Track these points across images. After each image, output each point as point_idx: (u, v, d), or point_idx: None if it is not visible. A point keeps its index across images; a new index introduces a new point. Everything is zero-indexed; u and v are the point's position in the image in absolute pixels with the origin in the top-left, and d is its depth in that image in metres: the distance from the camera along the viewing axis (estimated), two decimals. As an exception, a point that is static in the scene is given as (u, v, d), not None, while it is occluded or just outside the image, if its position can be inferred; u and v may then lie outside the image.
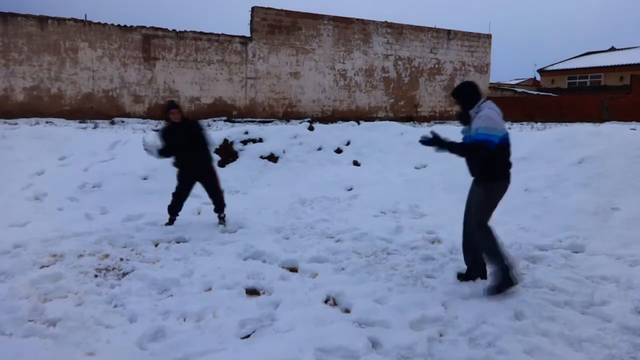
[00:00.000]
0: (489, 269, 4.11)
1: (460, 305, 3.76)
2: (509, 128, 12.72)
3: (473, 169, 4.18)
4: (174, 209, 6.17)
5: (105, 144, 8.96)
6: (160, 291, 4.04)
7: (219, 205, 6.27)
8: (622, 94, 20.97)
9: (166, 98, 17.53)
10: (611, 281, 4.24)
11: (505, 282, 3.91)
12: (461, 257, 4.88)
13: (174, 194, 6.16)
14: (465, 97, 3.98)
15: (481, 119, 3.82)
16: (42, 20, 15.48)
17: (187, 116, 6.38)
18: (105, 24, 16.48)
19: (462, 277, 4.27)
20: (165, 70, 17.41)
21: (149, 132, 6.29)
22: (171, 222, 6.14)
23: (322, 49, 20.25)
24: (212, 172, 6.23)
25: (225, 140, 9.16)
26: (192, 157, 6.02)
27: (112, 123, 14.69)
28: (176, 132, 5.99)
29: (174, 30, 17.49)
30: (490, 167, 3.98)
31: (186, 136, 5.98)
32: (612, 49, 35.58)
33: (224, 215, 6.29)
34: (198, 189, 7.75)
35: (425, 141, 3.96)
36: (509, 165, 4.04)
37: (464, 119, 4.06)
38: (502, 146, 3.90)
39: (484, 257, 4.14)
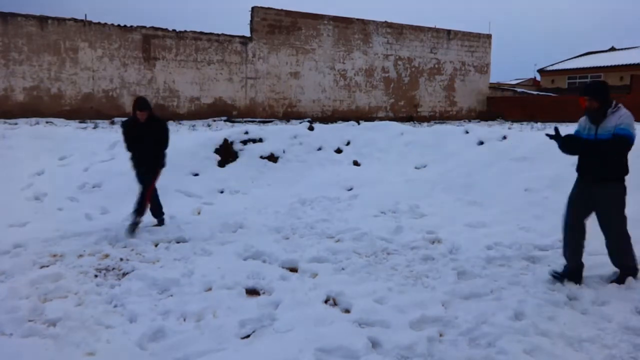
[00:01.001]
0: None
1: (460, 305, 3.76)
2: (509, 128, 12.67)
3: (599, 168, 4.06)
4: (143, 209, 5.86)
5: (105, 144, 8.96)
6: (160, 291, 4.04)
7: (138, 208, 5.76)
8: (622, 94, 20.96)
9: (166, 98, 17.55)
10: (611, 281, 4.24)
11: (631, 274, 4.14)
12: (461, 256, 4.89)
13: (139, 196, 5.84)
14: (605, 95, 4.02)
15: (623, 116, 3.93)
16: (42, 20, 15.48)
17: (156, 116, 6.07)
18: (105, 24, 16.49)
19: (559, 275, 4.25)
20: (165, 70, 17.42)
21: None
22: (134, 225, 5.74)
23: (322, 49, 20.26)
24: (152, 176, 5.93)
25: (225, 140, 9.16)
26: (145, 157, 5.84)
27: (112, 123, 14.69)
28: (139, 130, 5.76)
29: (174, 30, 17.49)
30: (621, 165, 4.04)
31: (147, 136, 5.77)
32: (612, 49, 35.58)
33: (137, 222, 5.72)
34: (197, 188, 7.77)
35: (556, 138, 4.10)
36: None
37: (597, 117, 4.04)
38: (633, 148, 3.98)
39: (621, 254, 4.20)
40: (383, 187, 7.89)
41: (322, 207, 7.17)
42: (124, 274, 4.42)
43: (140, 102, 5.79)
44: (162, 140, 5.97)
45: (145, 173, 5.89)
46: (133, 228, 5.64)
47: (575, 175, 4.37)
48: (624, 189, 4.12)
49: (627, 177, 4.11)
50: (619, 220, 4.15)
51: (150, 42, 17.06)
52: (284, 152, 9.37)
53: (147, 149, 5.83)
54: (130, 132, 5.84)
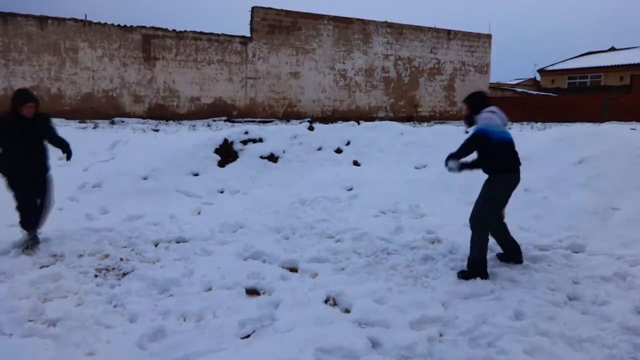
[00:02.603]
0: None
1: (460, 305, 3.76)
2: (509, 128, 12.71)
3: (480, 162, 4.54)
4: (30, 221, 5.05)
5: (105, 144, 8.96)
6: (160, 291, 4.05)
7: (41, 220, 5.17)
8: (622, 94, 20.97)
9: (166, 98, 17.55)
10: (611, 281, 4.24)
11: (472, 273, 4.33)
12: (460, 256, 4.90)
13: (20, 207, 5.03)
14: (473, 103, 4.61)
15: (479, 120, 4.41)
16: (42, 20, 15.49)
17: (41, 111, 5.15)
18: (105, 24, 16.49)
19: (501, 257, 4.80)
20: (165, 70, 17.42)
21: None
22: (33, 239, 5.01)
23: (322, 49, 20.26)
24: (49, 179, 5.24)
25: (225, 140, 9.15)
26: (33, 157, 5.05)
27: (112, 123, 14.70)
28: (24, 127, 4.89)
29: (174, 30, 17.49)
30: (491, 160, 4.38)
31: (35, 133, 5.00)
32: (612, 49, 35.58)
33: (38, 234, 5.11)
34: (197, 188, 7.77)
35: (453, 169, 4.46)
36: (512, 160, 4.46)
37: (470, 122, 4.60)
38: (502, 143, 4.35)
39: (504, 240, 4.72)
40: (383, 187, 7.88)
41: (322, 207, 7.16)
42: (124, 274, 4.42)
43: (26, 95, 4.94)
44: (54, 139, 5.22)
45: (34, 180, 5.07)
46: (34, 242, 5.01)
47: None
48: (495, 181, 4.42)
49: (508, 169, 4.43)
50: (477, 206, 4.46)
51: (150, 42, 17.06)
52: (284, 152, 9.37)
53: (31, 149, 5.02)
54: (11, 129, 4.86)
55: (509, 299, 3.83)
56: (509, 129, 4.62)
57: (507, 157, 4.42)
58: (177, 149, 8.60)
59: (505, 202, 4.53)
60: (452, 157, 4.44)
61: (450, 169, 4.46)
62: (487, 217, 4.43)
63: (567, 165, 6.93)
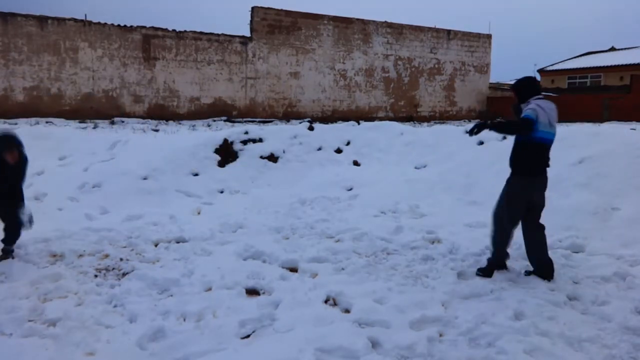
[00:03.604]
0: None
1: (460, 305, 3.76)
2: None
3: (511, 159, 4.36)
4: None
5: (105, 144, 8.96)
6: (160, 291, 4.05)
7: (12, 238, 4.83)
8: (622, 94, 20.97)
9: (166, 98, 17.56)
10: (611, 281, 4.24)
11: (488, 271, 4.35)
12: (460, 256, 4.90)
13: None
14: (520, 90, 4.33)
15: (525, 110, 4.11)
16: (42, 20, 15.49)
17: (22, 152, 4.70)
18: (105, 24, 16.49)
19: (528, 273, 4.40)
20: (165, 70, 17.42)
21: None
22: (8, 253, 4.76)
23: (322, 49, 20.26)
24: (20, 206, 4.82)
25: (225, 140, 9.15)
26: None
27: (112, 123, 14.70)
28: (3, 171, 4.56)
29: (174, 30, 17.50)
30: (518, 156, 4.23)
31: (11, 177, 4.67)
32: (612, 49, 35.55)
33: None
34: (197, 188, 7.78)
35: (474, 130, 4.06)
36: (542, 163, 4.23)
37: (517, 112, 4.31)
38: (538, 143, 4.14)
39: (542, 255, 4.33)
40: (383, 187, 7.88)
41: (322, 207, 7.16)
42: (124, 274, 4.42)
43: (9, 140, 4.53)
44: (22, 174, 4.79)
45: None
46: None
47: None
48: (518, 183, 4.26)
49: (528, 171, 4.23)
50: (496, 203, 4.40)
51: (150, 42, 17.06)
52: (284, 152, 9.37)
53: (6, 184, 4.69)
54: None
55: (509, 299, 3.83)
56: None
57: (534, 159, 4.17)
58: (177, 149, 8.60)
59: (524, 206, 4.24)
60: (487, 127, 4.00)
61: (474, 133, 4.06)
62: (503, 217, 4.28)
63: (567, 165, 6.92)
